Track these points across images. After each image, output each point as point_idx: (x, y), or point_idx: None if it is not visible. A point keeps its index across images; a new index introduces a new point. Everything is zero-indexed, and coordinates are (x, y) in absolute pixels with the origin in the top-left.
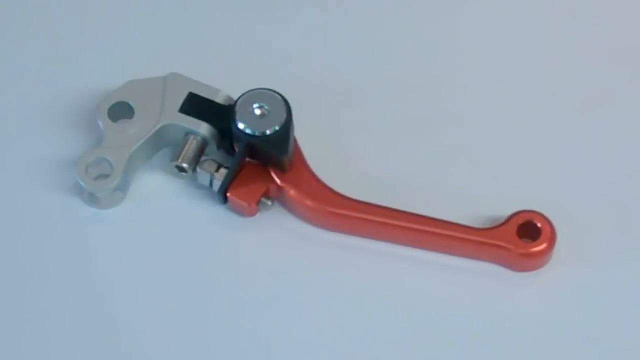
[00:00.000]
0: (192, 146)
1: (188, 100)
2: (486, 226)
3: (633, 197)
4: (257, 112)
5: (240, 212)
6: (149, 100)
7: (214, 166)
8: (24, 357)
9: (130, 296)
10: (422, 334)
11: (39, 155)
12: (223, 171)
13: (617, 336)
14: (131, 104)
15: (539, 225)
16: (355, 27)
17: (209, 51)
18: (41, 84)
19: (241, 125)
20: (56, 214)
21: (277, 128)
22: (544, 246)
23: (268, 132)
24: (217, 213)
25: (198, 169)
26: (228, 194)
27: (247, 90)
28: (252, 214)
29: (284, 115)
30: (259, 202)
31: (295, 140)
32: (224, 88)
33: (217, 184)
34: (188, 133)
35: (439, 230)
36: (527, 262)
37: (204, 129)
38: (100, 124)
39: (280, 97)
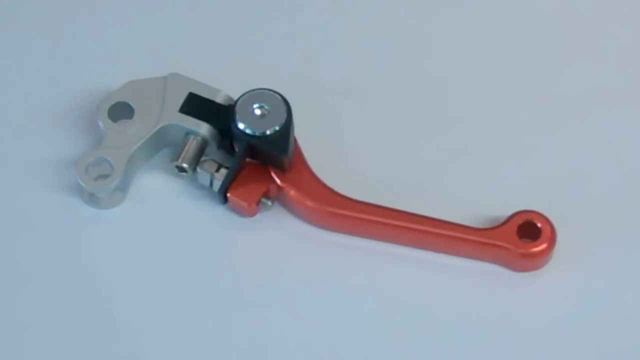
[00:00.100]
0: (192, 146)
1: (188, 100)
2: (486, 226)
3: (633, 197)
4: (257, 112)
5: (240, 212)
6: (149, 100)
7: (214, 166)
8: (23, 358)
9: (130, 296)
10: (422, 333)
11: (39, 155)
12: (223, 171)
13: (617, 336)
14: (131, 104)
15: (539, 225)
16: (356, 26)
17: (209, 51)
18: (41, 84)
19: (241, 125)
20: (56, 214)
21: (277, 128)
22: (544, 246)
23: (268, 132)
24: (217, 213)
25: (198, 169)
26: (228, 194)
27: (247, 90)
28: (252, 214)
29: (284, 115)
30: (259, 202)
31: (295, 140)
32: (224, 88)
33: (217, 184)
34: (188, 133)
35: (439, 230)
36: (527, 262)
37: (204, 129)
38: (100, 124)
39: (280, 97)
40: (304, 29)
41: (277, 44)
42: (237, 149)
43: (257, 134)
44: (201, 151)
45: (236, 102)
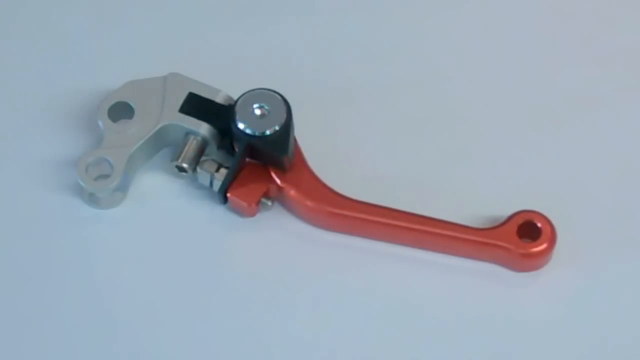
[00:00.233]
0: (192, 146)
1: (188, 100)
2: (486, 226)
3: (633, 197)
4: (257, 112)
5: (240, 212)
6: (149, 100)
7: (214, 166)
8: (23, 358)
9: (130, 296)
10: (422, 334)
11: (39, 155)
12: (223, 171)
13: (617, 336)
14: (131, 104)
15: (539, 225)
16: (356, 27)
17: (209, 51)
18: (41, 84)
19: (241, 125)
20: (56, 214)
21: (277, 128)
22: (544, 246)
23: (268, 132)
24: (217, 213)
25: (198, 169)
26: (228, 194)
27: (247, 90)
28: (252, 214)
29: (284, 115)
30: (258, 202)
31: (295, 140)
32: (224, 88)
33: (217, 184)
34: (188, 133)
35: (439, 230)
36: (527, 262)
37: (204, 128)
38: (100, 124)
39: (280, 97)
40: (304, 29)
41: (277, 44)
42: (237, 149)
43: (257, 134)
44: (201, 151)
45: (236, 102)
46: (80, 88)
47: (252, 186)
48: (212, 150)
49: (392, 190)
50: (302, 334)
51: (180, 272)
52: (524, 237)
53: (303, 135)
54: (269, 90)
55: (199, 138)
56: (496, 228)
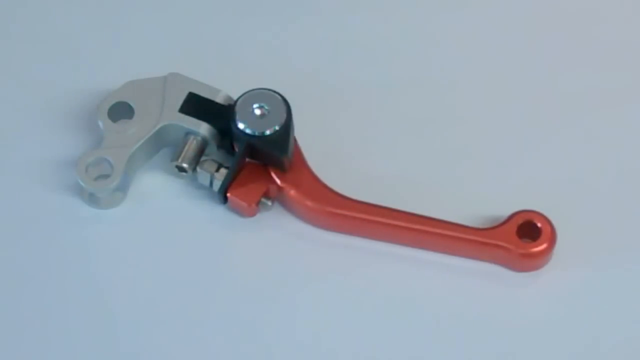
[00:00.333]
0: (192, 146)
1: (188, 100)
2: (486, 226)
3: (633, 198)
4: (257, 112)
5: (240, 212)
6: (149, 100)
7: (214, 166)
8: (24, 358)
9: (131, 296)
10: (422, 333)
11: (39, 155)
12: (223, 171)
13: (617, 336)
14: (131, 104)
15: (539, 225)
16: (356, 26)
17: (209, 51)
18: (41, 84)
19: (241, 125)
20: (56, 214)
21: (277, 128)
22: (544, 246)
23: (268, 132)
24: (217, 213)
25: (198, 169)
26: (228, 194)
27: (247, 90)
28: (252, 214)
29: (284, 115)
30: (258, 202)
31: (295, 140)
32: (224, 88)
33: (217, 184)
34: (188, 133)
35: (439, 230)
36: (527, 262)
37: (203, 128)
38: (100, 124)
39: (280, 97)
40: (304, 29)
41: (277, 43)
42: (237, 149)
43: (257, 133)
44: (201, 151)
45: (236, 102)
46: (80, 88)
47: (252, 186)
48: (212, 150)
49: (392, 190)
50: (302, 334)
51: (180, 272)
52: (524, 237)
53: (303, 135)
54: (269, 90)
55: (199, 138)
56: (496, 228)
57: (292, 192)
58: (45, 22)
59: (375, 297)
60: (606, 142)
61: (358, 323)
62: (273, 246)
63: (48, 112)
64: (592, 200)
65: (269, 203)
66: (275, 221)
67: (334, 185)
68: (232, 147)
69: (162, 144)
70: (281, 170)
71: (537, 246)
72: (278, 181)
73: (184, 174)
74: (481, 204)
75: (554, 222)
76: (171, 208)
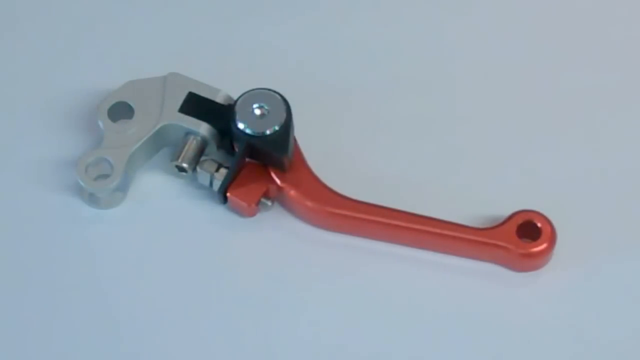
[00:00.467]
0: (192, 146)
1: (188, 100)
2: (486, 226)
3: (633, 198)
4: (257, 111)
5: (240, 212)
6: (149, 100)
7: (214, 166)
8: (25, 358)
9: (130, 296)
10: (421, 333)
11: (39, 155)
12: (223, 171)
13: (617, 336)
14: (131, 104)
15: (539, 225)
16: (356, 26)
17: (209, 51)
18: (41, 84)
19: (241, 125)
20: (56, 214)
21: (277, 128)
22: (544, 246)
23: (268, 132)
24: (217, 213)
25: (198, 169)
26: (228, 194)
27: (247, 90)
28: (252, 214)
29: (284, 115)
30: (258, 202)
31: (295, 140)
32: (224, 88)
33: (217, 184)
34: (188, 133)
35: (439, 230)
36: (527, 262)
37: (203, 128)
38: (100, 124)
39: (280, 97)
40: (304, 29)
41: (277, 43)
42: (237, 149)
43: (256, 133)
44: (201, 151)
45: (236, 102)
46: (80, 88)
47: (252, 186)
48: (212, 150)
49: (392, 190)
50: (302, 334)
51: (180, 272)
52: (524, 237)
53: (303, 135)
54: (269, 90)
55: (199, 138)
56: (496, 228)
57: (292, 192)
58: (45, 21)
59: (375, 297)
60: (606, 142)
61: (358, 323)
62: (273, 246)
63: (48, 112)
64: (592, 200)
65: (269, 203)
66: (275, 221)
67: (334, 185)
68: (232, 147)
69: (162, 144)
70: (281, 170)
71: (537, 246)
72: (278, 181)
73: (184, 174)
74: (481, 204)
75: (554, 222)
76: (171, 208)
